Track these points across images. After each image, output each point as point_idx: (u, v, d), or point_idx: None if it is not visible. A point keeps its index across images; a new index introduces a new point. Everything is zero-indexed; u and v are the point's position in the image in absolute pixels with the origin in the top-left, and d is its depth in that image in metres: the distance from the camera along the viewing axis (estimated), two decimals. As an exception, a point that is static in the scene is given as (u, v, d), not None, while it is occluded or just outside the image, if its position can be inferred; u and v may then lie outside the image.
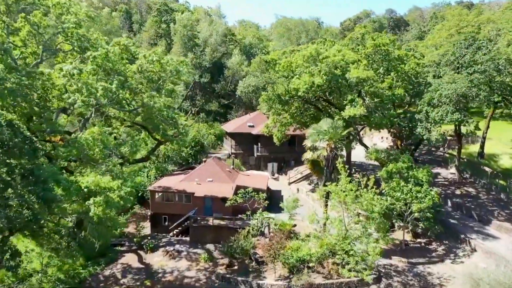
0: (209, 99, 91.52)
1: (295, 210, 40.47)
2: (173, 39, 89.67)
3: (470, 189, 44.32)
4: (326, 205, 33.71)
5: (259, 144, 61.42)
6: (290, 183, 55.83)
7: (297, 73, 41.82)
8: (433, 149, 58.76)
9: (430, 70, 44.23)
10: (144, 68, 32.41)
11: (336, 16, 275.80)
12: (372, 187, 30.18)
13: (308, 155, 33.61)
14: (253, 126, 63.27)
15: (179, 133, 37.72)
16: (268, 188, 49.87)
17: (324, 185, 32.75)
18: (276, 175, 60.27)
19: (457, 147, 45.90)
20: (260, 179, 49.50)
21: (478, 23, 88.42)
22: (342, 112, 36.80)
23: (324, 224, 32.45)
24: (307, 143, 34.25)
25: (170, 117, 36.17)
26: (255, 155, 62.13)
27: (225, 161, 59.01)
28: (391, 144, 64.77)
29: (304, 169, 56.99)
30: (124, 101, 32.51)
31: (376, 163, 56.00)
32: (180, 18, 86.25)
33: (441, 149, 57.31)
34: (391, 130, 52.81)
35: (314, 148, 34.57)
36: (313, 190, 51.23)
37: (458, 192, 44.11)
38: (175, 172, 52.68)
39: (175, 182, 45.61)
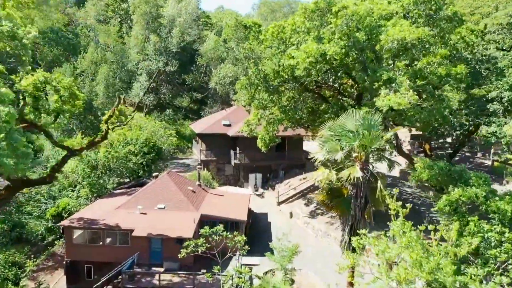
0: (178, 92, 75.77)
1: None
2: (133, 19, 73.37)
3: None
4: (353, 274, 18.53)
5: (237, 148, 46.27)
6: (279, 203, 40.80)
7: (294, 43, 26.73)
8: (467, 154, 44.61)
9: (496, 38, 29.76)
10: None
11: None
12: (456, 243, 15.35)
13: (320, 175, 18.43)
14: (229, 125, 48.04)
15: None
16: (250, 211, 34.80)
17: (353, 233, 17.77)
18: (261, 190, 45.17)
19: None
20: (238, 202, 34.24)
21: (496, 3, 75.83)
22: (375, 100, 21.58)
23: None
24: (318, 155, 19.10)
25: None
26: (233, 163, 46.95)
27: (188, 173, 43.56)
28: (409, 147, 50.44)
29: (299, 183, 42.05)
30: None
31: (394, 173, 41.53)
32: (141, -8, 70.05)
33: (479, 154, 43.16)
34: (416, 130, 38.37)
35: (331, 164, 19.51)
36: (313, 214, 36.31)
37: (534, 223, 29.90)
38: (117, 191, 36.96)
39: (107, 210, 29.96)
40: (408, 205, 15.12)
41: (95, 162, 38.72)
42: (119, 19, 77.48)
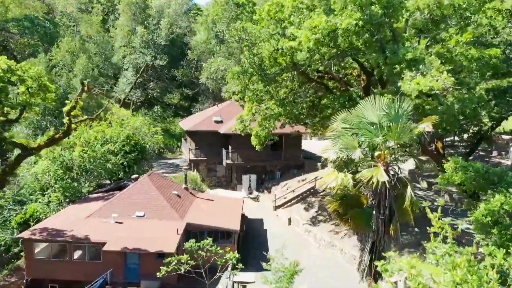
0: (167, 88, 71.44)
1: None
2: (119, 9, 68.74)
3: None
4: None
5: (230, 147, 42.19)
6: (276, 207, 36.77)
7: (296, 21, 22.72)
8: (481, 152, 40.92)
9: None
10: None
11: None
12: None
13: (333, 180, 14.38)
14: (221, 122, 43.94)
15: None
16: (243, 217, 30.81)
17: (375, 254, 13.84)
18: (255, 193, 41.13)
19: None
20: (230, 207, 30.16)
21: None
22: (400, 84, 17.42)
23: None
24: (329, 154, 15.06)
25: None
26: (224, 163, 42.84)
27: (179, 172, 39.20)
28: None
29: (297, 186, 38.06)
30: None
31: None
32: (127, -20, 65.59)
33: (495, 153, 39.44)
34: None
35: (339, 164, 15.54)
36: (314, 221, 32.31)
37: None
38: (93, 196, 32.70)
39: (78, 218, 25.73)
40: (459, 222, 11.08)
41: (70, 163, 34.45)
42: (103, 10, 72.82)
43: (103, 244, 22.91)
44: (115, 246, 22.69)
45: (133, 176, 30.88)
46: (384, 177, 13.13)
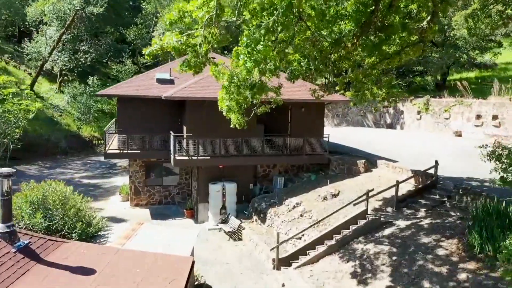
0: (112, 52, 49.75)
1: None
2: None
3: None
4: None
5: (184, 128, 21.30)
6: (280, 262, 15.80)
7: None
8: None
9: None
10: None
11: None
12: None
13: None
14: (170, 82, 23.03)
15: None
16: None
17: None
18: (234, 221, 20.05)
19: None
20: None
21: None
22: None
23: None
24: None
25: None
26: (173, 160, 21.38)
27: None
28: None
29: (325, 208, 17.19)
30: None
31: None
32: None
33: None
34: None
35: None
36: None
37: None
38: None
39: None
40: None
41: None
42: None
43: None
44: None
45: None
46: None
